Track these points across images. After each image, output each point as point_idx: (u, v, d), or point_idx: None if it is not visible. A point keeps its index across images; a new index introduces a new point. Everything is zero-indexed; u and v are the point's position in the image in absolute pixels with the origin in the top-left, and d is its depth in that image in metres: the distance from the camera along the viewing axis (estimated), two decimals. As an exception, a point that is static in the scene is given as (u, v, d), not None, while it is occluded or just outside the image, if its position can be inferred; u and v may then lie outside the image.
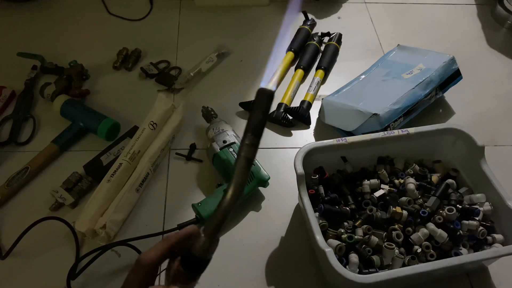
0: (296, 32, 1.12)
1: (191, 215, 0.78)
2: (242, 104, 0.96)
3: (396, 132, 0.79)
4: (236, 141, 0.84)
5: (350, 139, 0.77)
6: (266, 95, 0.41)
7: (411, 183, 0.76)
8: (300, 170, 0.70)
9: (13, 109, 0.92)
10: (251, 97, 0.99)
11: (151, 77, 1.01)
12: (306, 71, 1.05)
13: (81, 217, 0.74)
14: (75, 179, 0.81)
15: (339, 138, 0.76)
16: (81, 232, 0.73)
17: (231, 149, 0.82)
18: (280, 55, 0.71)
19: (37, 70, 0.98)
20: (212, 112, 0.90)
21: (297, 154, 0.72)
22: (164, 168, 0.86)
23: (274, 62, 0.46)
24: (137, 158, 0.83)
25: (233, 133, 0.86)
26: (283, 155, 0.89)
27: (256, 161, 0.82)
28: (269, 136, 0.93)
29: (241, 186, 0.42)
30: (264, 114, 0.41)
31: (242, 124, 0.95)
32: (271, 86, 0.42)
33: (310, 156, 0.73)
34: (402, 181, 0.78)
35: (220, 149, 0.83)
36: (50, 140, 0.87)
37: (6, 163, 0.85)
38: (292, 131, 0.94)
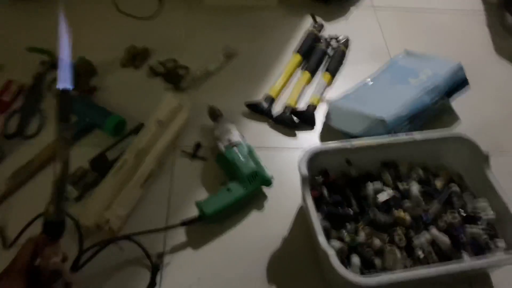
0: (304, 35, 1.12)
1: (194, 211, 0.78)
2: (248, 105, 0.96)
3: (402, 137, 0.79)
4: (241, 140, 0.84)
5: (355, 142, 0.77)
6: (63, 94, 0.54)
7: (415, 188, 0.76)
8: (305, 172, 0.70)
9: (21, 103, 0.93)
10: (258, 96, 0.99)
11: (158, 75, 1.02)
12: (313, 73, 1.05)
13: (86, 211, 0.75)
14: (80, 173, 0.81)
15: (344, 141, 0.77)
16: (85, 225, 0.74)
17: (235, 149, 0.83)
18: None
19: (45, 65, 0.99)
20: (218, 112, 0.91)
21: (302, 156, 0.73)
22: (169, 165, 0.87)
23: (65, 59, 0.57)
24: (143, 155, 0.83)
25: (238, 132, 0.86)
26: (287, 156, 0.90)
27: (259, 160, 0.82)
28: (273, 137, 0.94)
29: (66, 161, 0.55)
30: (65, 107, 0.55)
31: (247, 124, 0.95)
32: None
33: (314, 158, 0.74)
34: (406, 185, 0.78)
35: (225, 148, 0.83)
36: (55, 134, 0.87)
37: (13, 155, 0.86)
38: (297, 133, 0.94)
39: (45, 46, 1.02)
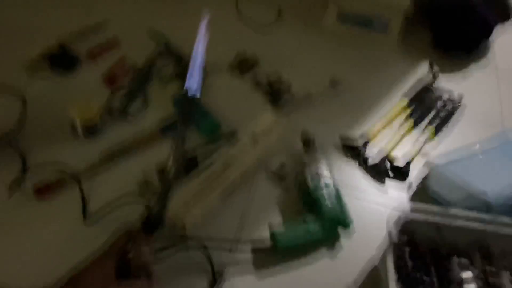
0: (416, 81, 1.07)
1: (266, 233, 0.77)
2: (343, 140, 0.93)
3: (506, 220, 0.72)
4: (329, 176, 0.82)
5: (453, 212, 0.72)
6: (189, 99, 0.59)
7: (506, 279, 0.69)
8: (395, 238, 0.66)
9: (129, 82, 0.97)
10: (353, 132, 0.96)
11: (261, 87, 1.01)
12: (417, 123, 0.99)
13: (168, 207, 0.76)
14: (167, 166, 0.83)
15: (442, 211, 0.72)
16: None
17: (322, 184, 0.80)
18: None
19: (160, 50, 1.03)
20: (312, 139, 0.89)
21: (394, 219, 0.69)
22: (251, 181, 0.86)
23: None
24: (230, 165, 0.83)
25: (328, 169, 0.84)
26: (370, 205, 0.85)
27: (343, 201, 0.80)
28: (360, 178, 0.90)
29: (179, 162, 0.58)
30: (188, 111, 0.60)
31: (337, 157, 0.92)
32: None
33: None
34: (494, 270, 0.71)
35: (311, 180, 0.81)
36: (155, 120, 0.90)
37: (111, 131, 0.89)
38: (386, 181, 0.90)
39: (166, 32, 1.06)
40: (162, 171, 0.81)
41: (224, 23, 1.16)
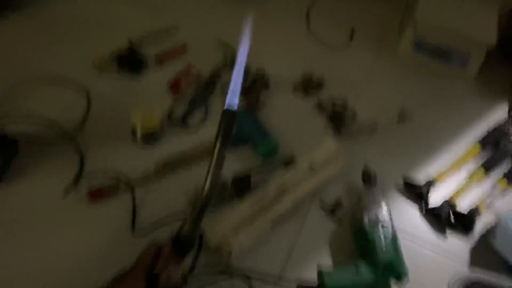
0: (491, 124, 0.99)
1: (312, 272, 0.73)
2: (406, 182, 0.88)
3: None
4: (389, 221, 0.77)
5: None
6: (229, 114, 0.54)
7: None
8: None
9: (193, 91, 0.96)
10: (420, 173, 0.90)
11: (324, 112, 0.97)
12: (488, 172, 0.92)
13: (215, 228, 0.74)
14: (221, 186, 0.81)
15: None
16: (209, 241, 0.73)
17: (380, 228, 0.75)
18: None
19: (226, 63, 1.01)
20: (373, 176, 0.84)
21: (456, 282, 0.63)
22: (303, 212, 0.82)
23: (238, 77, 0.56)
24: (284, 192, 0.80)
25: (387, 211, 0.78)
26: (428, 254, 0.80)
27: (400, 249, 0.74)
28: (420, 226, 0.84)
29: (214, 185, 0.54)
30: (228, 128, 0.55)
31: (397, 200, 0.87)
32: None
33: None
34: None
35: (368, 223, 0.76)
36: (213, 134, 0.88)
37: (169, 139, 0.88)
38: (447, 232, 0.84)
39: (234, 45, 1.04)
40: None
41: (294, 40, 1.12)
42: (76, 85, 0.93)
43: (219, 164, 0.54)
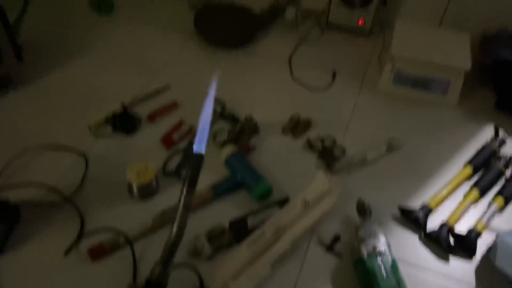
0: (480, 147, 1.01)
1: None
2: (402, 210, 0.88)
3: None
4: (387, 251, 0.77)
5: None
6: (197, 158, 0.58)
7: None
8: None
9: (186, 144, 0.99)
10: (415, 201, 0.91)
11: (314, 150, 1.00)
12: (483, 193, 0.93)
13: (214, 274, 0.74)
14: (218, 231, 0.82)
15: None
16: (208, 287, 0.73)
17: (379, 259, 0.75)
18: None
19: (216, 114, 1.05)
20: (368, 208, 0.85)
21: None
22: (302, 250, 0.83)
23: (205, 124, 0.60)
24: (281, 232, 0.81)
25: (385, 239, 0.79)
26: (432, 282, 0.79)
27: (402, 279, 0.74)
28: (421, 253, 0.84)
29: (182, 227, 0.56)
30: (195, 171, 0.58)
31: (395, 229, 0.87)
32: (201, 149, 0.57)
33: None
34: None
35: (367, 255, 0.76)
36: (208, 182, 0.91)
37: (165, 193, 0.91)
38: (450, 257, 0.83)
39: (220, 95, 1.09)
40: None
41: (279, 86, 1.17)
42: (73, 150, 0.97)
43: (186, 206, 0.57)
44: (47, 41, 1.25)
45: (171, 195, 0.90)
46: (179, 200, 0.57)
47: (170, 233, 0.56)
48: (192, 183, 0.57)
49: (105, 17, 1.36)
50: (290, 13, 1.33)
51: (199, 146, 0.58)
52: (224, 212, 0.87)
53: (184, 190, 0.57)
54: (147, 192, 0.89)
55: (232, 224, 0.83)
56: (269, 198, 0.90)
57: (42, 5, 1.37)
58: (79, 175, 0.92)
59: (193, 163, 0.57)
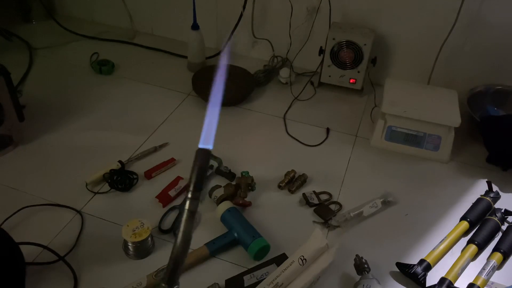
0: (475, 201, 1.02)
1: None
2: (399, 265, 0.88)
3: None
4: (387, 309, 0.75)
5: None
6: (203, 154, 0.50)
7: None
8: None
9: (181, 201, 1.00)
10: (412, 257, 0.90)
11: (310, 205, 1.01)
12: (480, 248, 0.92)
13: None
14: (215, 291, 0.81)
15: None
16: None
17: (379, 318, 0.74)
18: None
19: (212, 170, 1.07)
20: (366, 265, 0.84)
21: None
22: (301, 309, 0.81)
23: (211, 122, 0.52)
24: (279, 291, 0.79)
25: (384, 298, 0.78)
26: None
27: None
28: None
29: (188, 234, 0.50)
30: (202, 170, 0.50)
31: (394, 286, 0.86)
32: (208, 146, 0.50)
33: None
34: None
35: (367, 313, 0.75)
36: (203, 239, 0.90)
37: (161, 251, 0.90)
38: (451, 315, 0.81)
39: (216, 152, 1.11)
40: None
41: (275, 144, 1.20)
42: (70, 208, 0.97)
43: (192, 213, 0.50)
44: (48, 100, 1.29)
45: (167, 253, 0.89)
46: (183, 204, 0.52)
47: (174, 245, 0.50)
48: (197, 185, 0.49)
49: (105, 77, 1.41)
50: (284, 72, 1.39)
51: (206, 142, 0.50)
52: (220, 270, 0.86)
53: (189, 194, 0.49)
54: (142, 250, 0.88)
55: (229, 283, 0.82)
56: (266, 255, 0.89)
57: (44, 65, 1.43)
58: (75, 233, 0.92)
59: (199, 160, 0.49)
